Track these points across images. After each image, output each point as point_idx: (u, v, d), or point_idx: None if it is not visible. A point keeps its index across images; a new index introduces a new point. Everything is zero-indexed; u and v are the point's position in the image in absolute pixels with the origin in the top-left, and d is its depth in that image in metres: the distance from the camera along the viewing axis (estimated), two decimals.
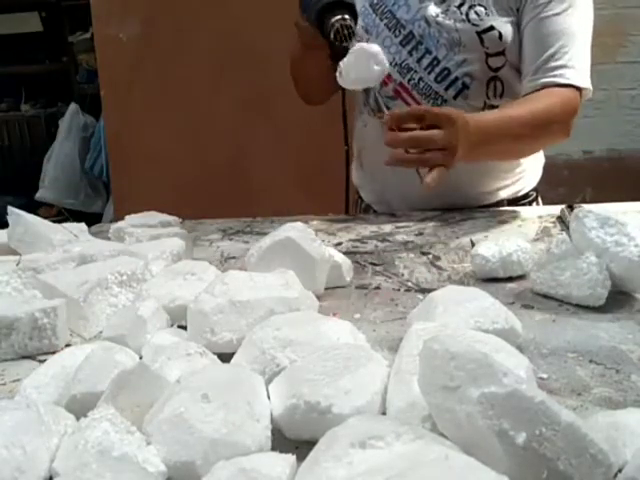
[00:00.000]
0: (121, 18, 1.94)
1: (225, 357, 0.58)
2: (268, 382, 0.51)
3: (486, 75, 1.12)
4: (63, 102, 3.72)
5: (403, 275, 0.86)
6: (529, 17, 1.09)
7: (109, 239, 0.98)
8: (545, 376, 0.57)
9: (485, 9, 1.09)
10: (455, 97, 1.12)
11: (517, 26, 1.10)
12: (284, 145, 1.95)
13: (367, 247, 0.99)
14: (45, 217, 0.97)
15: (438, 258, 0.92)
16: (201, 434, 0.43)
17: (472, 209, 1.18)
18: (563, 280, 0.72)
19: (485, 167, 1.17)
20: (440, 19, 1.11)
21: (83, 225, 1.00)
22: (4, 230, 0.92)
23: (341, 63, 0.98)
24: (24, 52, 3.78)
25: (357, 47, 0.96)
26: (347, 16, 0.96)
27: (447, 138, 0.94)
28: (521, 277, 0.81)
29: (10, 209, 0.90)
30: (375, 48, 0.98)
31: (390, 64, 1.15)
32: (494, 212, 1.16)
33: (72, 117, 3.47)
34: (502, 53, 1.11)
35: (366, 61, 0.95)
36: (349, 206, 1.30)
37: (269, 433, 0.45)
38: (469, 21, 1.10)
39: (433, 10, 1.12)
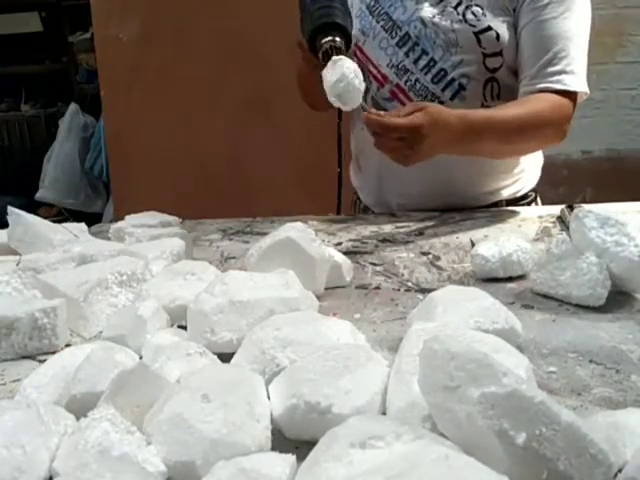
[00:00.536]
0: (121, 18, 1.94)
1: (225, 357, 0.58)
2: (268, 382, 0.51)
3: (483, 76, 1.12)
4: (63, 102, 3.72)
5: (403, 275, 0.86)
6: (526, 19, 1.08)
7: (109, 239, 0.98)
8: (545, 376, 0.57)
9: (482, 9, 1.09)
10: (452, 98, 1.12)
11: (514, 27, 1.10)
12: (284, 145, 1.95)
13: (367, 247, 0.99)
14: (45, 217, 0.97)
15: (438, 258, 0.92)
16: (201, 434, 0.43)
17: (472, 209, 1.18)
18: (563, 280, 0.72)
19: (483, 168, 1.17)
20: (437, 20, 1.11)
21: (83, 225, 1.00)
22: (4, 230, 0.92)
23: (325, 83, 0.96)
24: (24, 52, 3.78)
25: (330, 64, 0.94)
26: (338, 38, 0.96)
27: (410, 144, 0.95)
28: (521, 277, 0.81)
29: (10, 209, 0.90)
30: (347, 66, 0.93)
31: (387, 66, 1.15)
32: (494, 212, 1.16)
33: (72, 117, 3.47)
34: (499, 54, 1.10)
35: (342, 78, 0.93)
36: (341, 207, 1.30)
37: (269, 433, 0.45)
38: (466, 21, 1.09)
39: (429, 11, 1.11)
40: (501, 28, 1.09)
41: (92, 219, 1.88)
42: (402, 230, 1.07)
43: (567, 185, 2.42)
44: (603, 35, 2.30)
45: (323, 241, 0.84)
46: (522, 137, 1.07)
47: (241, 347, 0.57)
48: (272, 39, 1.90)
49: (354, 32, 1.17)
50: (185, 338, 0.63)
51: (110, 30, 1.95)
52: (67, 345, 0.68)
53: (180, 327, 0.67)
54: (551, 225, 1.03)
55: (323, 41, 0.97)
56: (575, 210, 0.73)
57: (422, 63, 1.12)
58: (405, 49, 1.13)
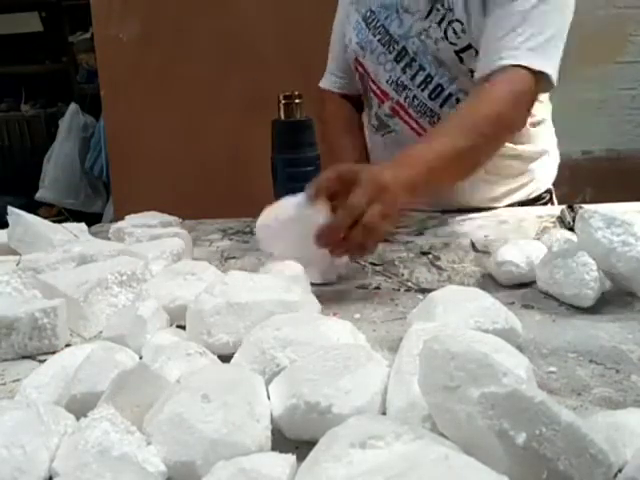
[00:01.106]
0: (121, 18, 1.94)
1: (225, 357, 0.58)
2: (268, 382, 0.51)
3: None
4: (63, 102, 3.71)
5: (403, 275, 0.86)
6: (492, 5, 0.99)
7: (109, 239, 0.98)
8: (545, 376, 0.57)
9: (462, 24, 1.02)
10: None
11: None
12: None
13: None
14: (45, 217, 0.97)
15: (438, 258, 0.92)
16: (201, 434, 0.43)
17: (472, 209, 1.18)
18: (558, 279, 0.72)
19: (487, 174, 1.14)
20: (423, 37, 1.07)
21: (83, 225, 1.00)
22: (4, 230, 0.92)
23: None
24: (24, 52, 3.78)
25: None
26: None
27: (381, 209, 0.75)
28: None
29: (10, 209, 0.90)
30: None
31: (386, 82, 1.13)
32: (494, 212, 1.16)
33: (72, 117, 3.47)
34: None
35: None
36: None
37: (269, 433, 0.45)
38: (447, 39, 1.04)
39: (420, 26, 1.07)
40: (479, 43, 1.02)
41: (92, 219, 1.87)
42: (402, 230, 1.07)
43: (567, 185, 2.42)
44: (603, 35, 2.29)
45: None
46: (489, 144, 0.96)
47: (241, 347, 0.57)
48: (272, 39, 1.90)
49: (353, 46, 1.15)
50: (185, 338, 0.63)
51: (110, 30, 1.95)
52: (67, 345, 0.68)
53: (180, 327, 0.67)
54: (551, 225, 1.03)
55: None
56: (580, 211, 0.73)
57: (419, 79, 1.09)
58: (402, 64, 1.10)
